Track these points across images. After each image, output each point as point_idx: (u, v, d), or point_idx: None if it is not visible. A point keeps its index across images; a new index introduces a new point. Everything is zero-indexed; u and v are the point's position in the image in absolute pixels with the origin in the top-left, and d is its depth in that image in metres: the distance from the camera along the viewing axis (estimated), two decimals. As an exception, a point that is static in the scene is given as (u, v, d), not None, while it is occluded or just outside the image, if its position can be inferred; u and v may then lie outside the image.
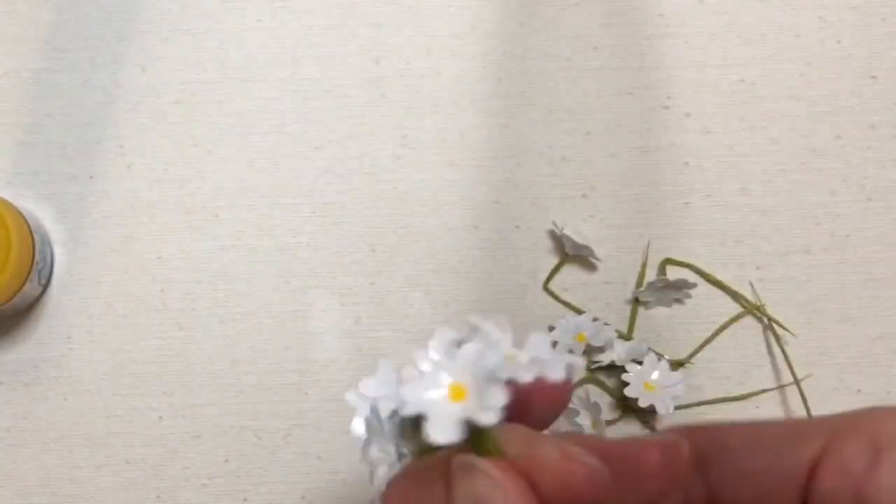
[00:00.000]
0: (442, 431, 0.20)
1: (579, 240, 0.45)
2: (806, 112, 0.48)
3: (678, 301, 0.47)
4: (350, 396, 0.24)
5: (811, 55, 0.49)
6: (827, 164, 0.48)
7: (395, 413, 0.23)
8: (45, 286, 0.47)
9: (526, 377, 0.21)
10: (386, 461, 0.23)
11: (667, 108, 0.48)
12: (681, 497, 0.25)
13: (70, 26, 0.49)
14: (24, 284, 0.44)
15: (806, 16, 0.49)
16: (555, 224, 0.47)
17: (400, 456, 0.23)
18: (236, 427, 0.46)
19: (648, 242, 0.47)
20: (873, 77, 0.48)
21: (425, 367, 0.22)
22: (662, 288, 0.46)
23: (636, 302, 0.47)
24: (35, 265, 0.45)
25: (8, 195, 0.46)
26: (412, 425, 0.23)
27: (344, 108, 0.49)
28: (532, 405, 0.24)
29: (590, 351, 0.46)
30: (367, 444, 0.23)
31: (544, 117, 0.48)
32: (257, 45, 0.49)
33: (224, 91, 0.49)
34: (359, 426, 0.23)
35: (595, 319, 0.45)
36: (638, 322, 0.47)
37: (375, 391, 0.23)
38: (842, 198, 0.48)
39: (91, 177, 0.48)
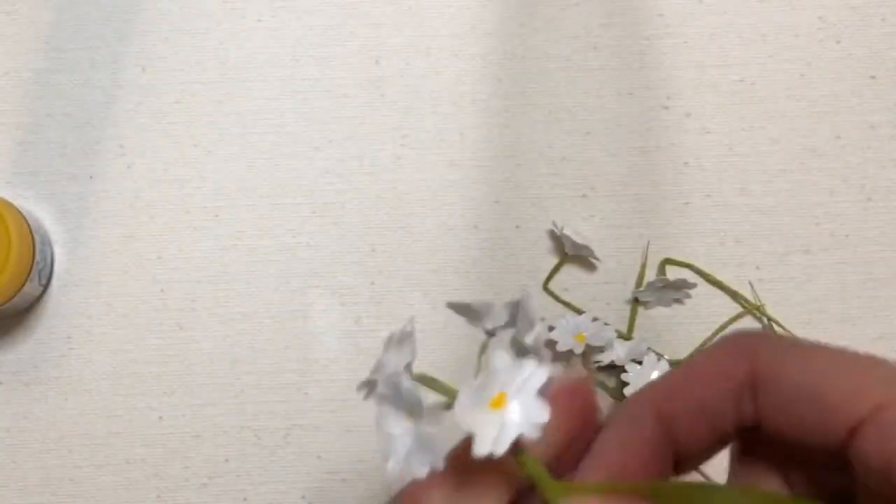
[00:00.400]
0: (485, 445, 0.21)
1: (579, 240, 0.45)
2: (806, 112, 0.48)
3: (678, 301, 0.47)
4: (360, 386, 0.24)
5: (811, 55, 0.49)
6: (827, 164, 0.48)
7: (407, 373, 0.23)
8: (45, 286, 0.47)
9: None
10: (402, 439, 0.23)
11: (666, 108, 0.48)
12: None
13: (70, 26, 0.49)
14: (24, 284, 0.44)
15: (805, 16, 0.49)
16: (554, 224, 0.47)
17: (417, 429, 0.22)
18: (236, 427, 0.46)
19: (648, 242, 0.47)
20: (873, 77, 0.48)
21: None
22: (662, 288, 0.46)
23: (636, 302, 0.47)
24: (35, 265, 0.45)
25: (8, 195, 0.46)
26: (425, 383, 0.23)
27: (344, 108, 0.49)
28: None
29: (589, 351, 0.46)
30: (381, 417, 0.23)
31: (544, 117, 0.48)
32: (257, 45, 0.49)
33: (224, 91, 0.49)
34: (373, 401, 0.23)
35: (595, 319, 0.45)
36: (638, 322, 0.47)
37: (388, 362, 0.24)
38: (841, 198, 0.48)
39: (91, 177, 0.48)
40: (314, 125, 0.49)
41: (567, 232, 0.46)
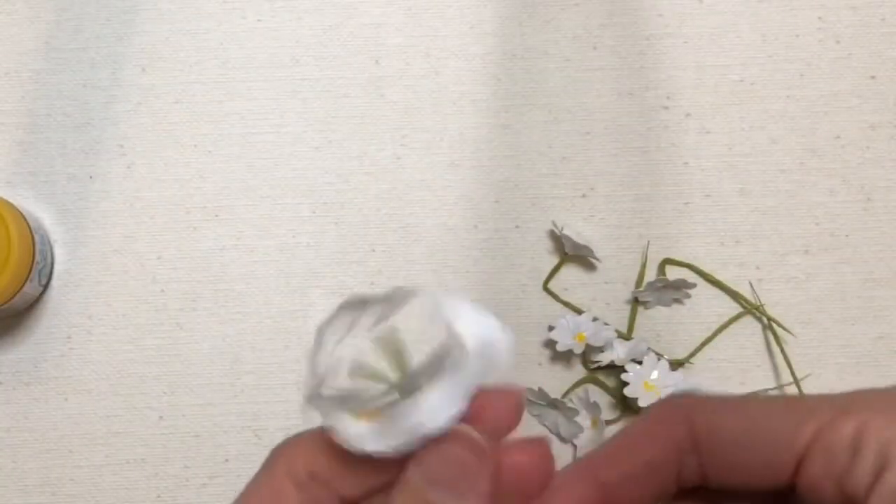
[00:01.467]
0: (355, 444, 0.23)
1: (579, 240, 0.45)
2: (805, 112, 0.48)
3: (678, 301, 0.47)
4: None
5: (810, 55, 0.49)
6: (826, 164, 0.48)
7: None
8: (45, 286, 0.47)
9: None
10: None
11: (666, 108, 0.48)
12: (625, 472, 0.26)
13: (70, 26, 0.49)
14: (24, 284, 0.44)
15: (805, 16, 0.49)
16: (554, 224, 0.47)
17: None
18: (236, 427, 0.46)
19: (648, 242, 0.47)
20: (872, 77, 0.48)
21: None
22: (662, 288, 0.46)
23: (636, 302, 0.47)
24: (35, 265, 0.45)
25: (8, 195, 0.46)
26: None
27: (344, 108, 0.49)
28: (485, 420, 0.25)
29: (589, 351, 0.46)
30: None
31: (544, 117, 0.48)
32: (257, 45, 0.49)
33: (224, 91, 0.49)
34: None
35: (595, 319, 0.45)
36: (638, 322, 0.47)
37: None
38: (841, 198, 0.48)
39: (91, 177, 0.48)
40: (314, 125, 0.49)
41: (567, 232, 0.46)
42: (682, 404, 0.26)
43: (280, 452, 0.27)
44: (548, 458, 0.25)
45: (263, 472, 0.27)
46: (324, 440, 0.26)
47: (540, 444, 0.25)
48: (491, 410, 0.25)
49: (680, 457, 0.25)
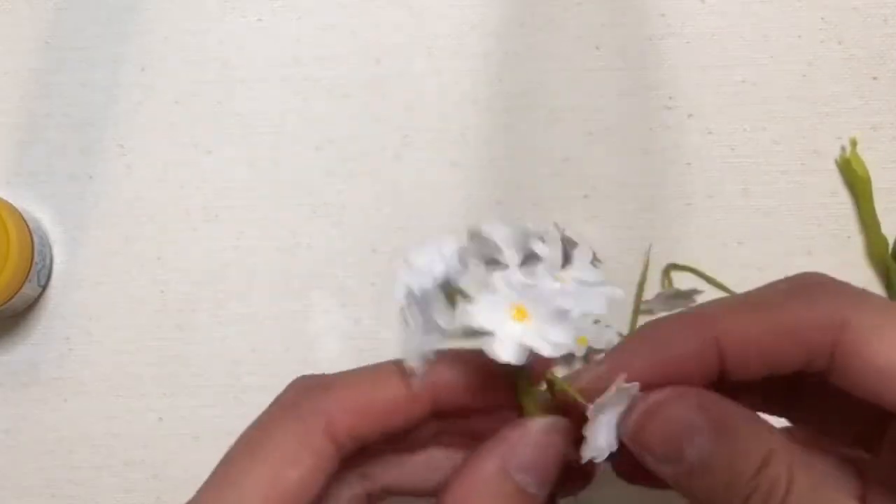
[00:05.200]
0: (505, 352, 0.22)
1: (580, 241, 0.45)
2: (808, 113, 0.48)
3: (683, 307, 0.47)
4: (400, 265, 0.25)
5: (813, 56, 0.49)
6: (829, 165, 0.48)
7: (435, 286, 0.25)
8: (45, 287, 0.47)
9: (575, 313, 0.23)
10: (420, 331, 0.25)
11: (669, 108, 0.48)
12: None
13: (70, 26, 0.49)
14: (22, 285, 0.44)
15: (807, 17, 0.49)
16: (556, 225, 0.46)
17: (432, 327, 0.24)
18: (237, 428, 0.46)
19: (650, 245, 0.47)
20: (875, 78, 0.48)
21: (498, 284, 0.23)
22: (671, 297, 0.46)
23: (637, 307, 0.47)
24: (34, 266, 0.44)
25: (7, 195, 0.46)
26: (449, 301, 0.25)
27: (344, 108, 0.48)
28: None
29: (591, 353, 0.45)
30: (406, 310, 0.25)
31: (546, 118, 0.48)
32: (257, 45, 0.49)
33: (224, 91, 0.49)
34: (400, 292, 0.25)
35: (596, 321, 0.45)
36: (639, 323, 0.47)
37: (422, 263, 0.25)
38: (843, 199, 0.48)
39: (91, 177, 0.48)
40: (314, 125, 0.48)
41: (568, 233, 0.45)
42: (840, 304, 0.25)
43: (317, 407, 0.26)
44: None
45: (295, 426, 0.26)
46: (365, 395, 0.25)
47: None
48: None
49: (811, 350, 0.25)
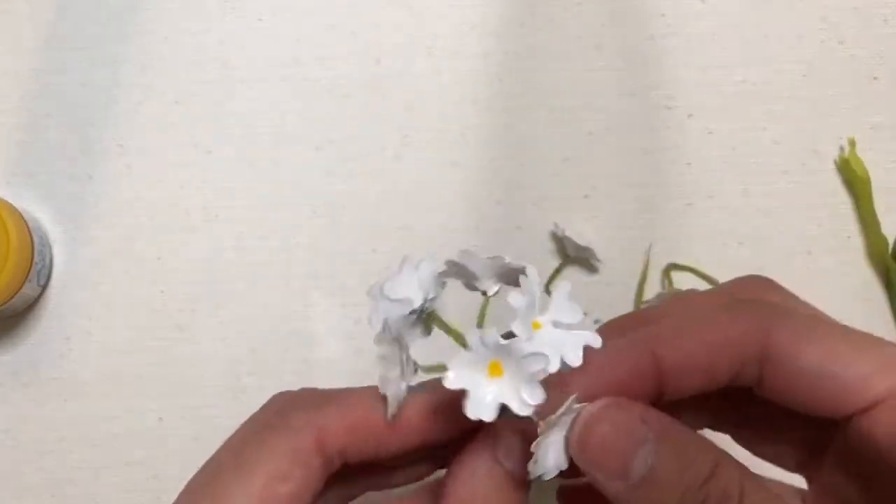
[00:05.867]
0: (477, 410, 0.23)
1: (581, 241, 0.45)
2: (808, 113, 0.48)
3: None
4: (371, 293, 0.26)
5: (813, 56, 0.49)
6: (829, 165, 0.48)
7: (410, 314, 0.25)
8: (44, 287, 0.47)
9: (551, 368, 0.23)
10: (394, 366, 0.25)
11: (669, 108, 0.48)
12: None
13: (70, 26, 0.49)
14: (22, 285, 0.44)
15: (808, 17, 0.49)
16: (556, 225, 0.47)
17: (406, 359, 0.25)
18: (236, 429, 0.46)
19: (651, 245, 0.47)
20: (875, 78, 0.48)
21: (473, 343, 0.23)
22: (671, 298, 0.46)
23: (638, 307, 0.47)
24: (34, 266, 0.44)
25: (7, 195, 0.46)
26: (426, 327, 0.26)
27: (344, 108, 0.48)
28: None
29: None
30: (379, 340, 0.26)
31: (546, 117, 0.48)
32: (257, 45, 0.49)
33: (224, 91, 0.49)
34: (376, 324, 0.26)
35: (597, 322, 0.45)
36: (639, 323, 0.47)
37: (396, 293, 0.26)
38: (843, 199, 0.48)
39: (91, 177, 0.48)
40: (314, 125, 0.48)
41: (569, 234, 0.46)
42: (765, 316, 0.25)
43: (308, 419, 0.26)
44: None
45: (287, 439, 0.25)
46: (359, 416, 0.26)
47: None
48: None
49: (741, 359, 0.25)
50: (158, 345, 0.47)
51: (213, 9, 0.49)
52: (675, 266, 0.47)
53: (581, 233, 0.46)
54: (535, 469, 0.24)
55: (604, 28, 0.49)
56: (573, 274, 0.47)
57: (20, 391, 0.47)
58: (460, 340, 0.25)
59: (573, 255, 0.47)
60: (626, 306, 0.47)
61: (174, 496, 0.30)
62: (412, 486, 0.29)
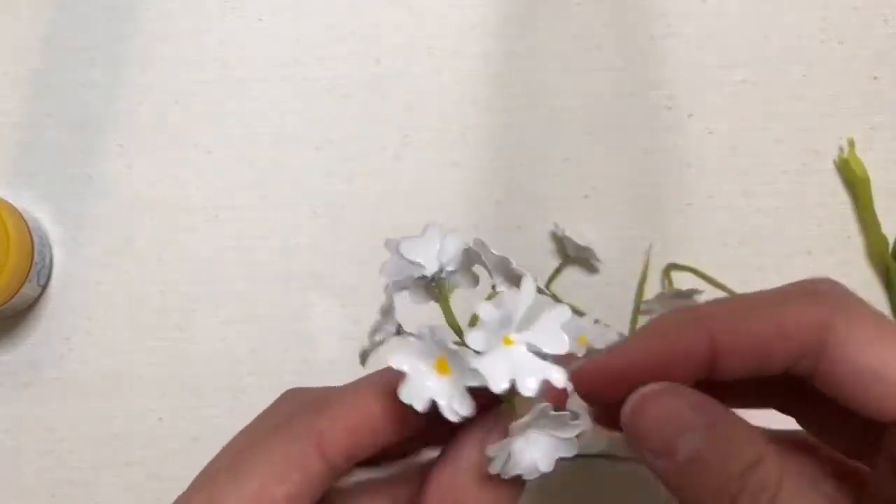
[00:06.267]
0: (409, 396, 0.23)
1: (581, 241, 0.45)
2: (808, 113, 0.48)
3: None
4: (388, 245, 0.27)
5: (813, 56, 0.49)
6: (829, 165, 0.48)
7: (420, 278, 0.26)
8: (44, 287, 0.47)
9: (494, 389, 0.23)
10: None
11: (669, 108, 0.48)
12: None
13: (70, 26, 0.49)
14: (22, 285, 0.44)
15: (808, 17, 0.49)
16: (556, 225, 0.47)
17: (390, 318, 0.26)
18: (236, 428, 0.46)
19: (651, 245, 0.47)
20: (875, 78, 0.48)
21: (424, 333, 0.24)
22: (672, 297, 0.45)
23: (638, 307, 0.47)
24: (34, 266, 0.44)
25: (7, 195, 0.46)
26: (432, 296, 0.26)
27: (344, 108, 0.48)
28: None
29: (592, 353, 0.45)
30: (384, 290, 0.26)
31: (546, 117, 0.48)
32: (257, 45, 0.49)
33: (224, 91, 0.49)
34: (383, 274, 0.26)
35: (597, 321, 0.45)
36: (640, 324, 0.47)
37: (411, 254, 0.27)
38: (844, 199, 0.48)
39: (90, 177, 0.48)
40: (314, 125, 0.48)
41: (569, 234, 0.46)
42: (825, 309, 0.25)
43: (309, 423, 0.26)
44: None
45: (286, 444, 0.25)
46: (360, 418, 0.25)
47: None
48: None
49: (800, 349, 0.25)
50: (158, 345, 0.47)
51: (213, 9, 0.49)
52: (675, 266, 0.47)
53: (581, 233, 0.46)
54: (508, 469, 0.24)
55: (603, 28, 0.49)
56: (573, 274, 0.47)
57: (20, 391, 0.47)
58: (454, 327, 0.25)
59: (573, 255, 0.47)
60: (626, 306, 0.47)
61: (174, 496, 0.30)
62: (402, 466, 0.29)
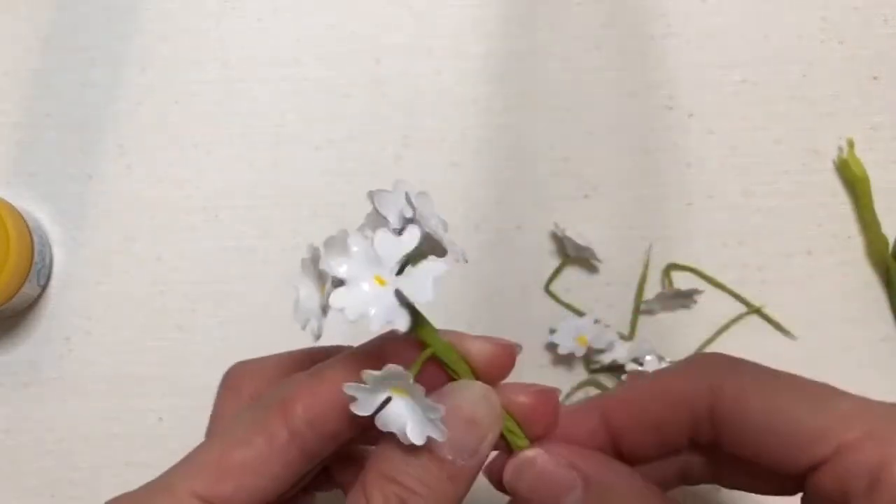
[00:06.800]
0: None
1: (581, 241, 0.45)
2: (808, 113, 0.48)
3: (684, 307, 0.47)
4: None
5: (813, 56, 0.49)
6: (829, 165, 0.48)
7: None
8: (44, 287, 0.47)
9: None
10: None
11: (669, 108, 0.48)
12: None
13: (70, 26, 0.49)
14: (22, 285, 0.44)
15: (808, 16, 0.49)
16: (556, 225, 0.46)
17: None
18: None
19: (651, 245, 0.47)
20: (875, 78, 0.48)
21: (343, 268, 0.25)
22: (672, 297, 0.46)
23: (638, 307, 0.47)
24: (34, 266, 0.44)
25: (7, 195, 0.46)
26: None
27: (345, 108, 0.48)
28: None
29: (591, 353, 0.45)
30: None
31: (546, 117, 0.48)
32: (257, 45, 0.49)
33: (224, 91, 0.49)
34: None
35: (597, 321, 0.45)
36: (640, 323, 0.47)
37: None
38: (844, 199, 0.48)
39: (90, 177, 0.48)
40: (315, 125, 0.48)
41: (569, 233, 0.46)
42: (712, 372, 0.26)
43: (278, 394, 0.27)
44: (553, 401, 0.26)
45: (254, 412, 0.26)
46: (328, 389, 0.26)
47: (545, 389, 0.26)
48: (487, 357, 0.26)
49: (694, 417, 0.26)
50: (158, 345, 0.47)
51: (213, 9, 0.49)
52: (675, 266, 0.47)
53: (581, 232, 0.46)
54: (382, 422, 0.24)
55: (603, 28, 0.49)
56: (573, 274, 0.47)
57: (20, 391, 0.47)
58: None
59: (573, 255, 0.47)
60: (626, 306, 0.47)
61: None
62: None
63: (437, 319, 0.47)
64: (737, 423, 0.25)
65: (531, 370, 0.46)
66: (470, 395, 0.25)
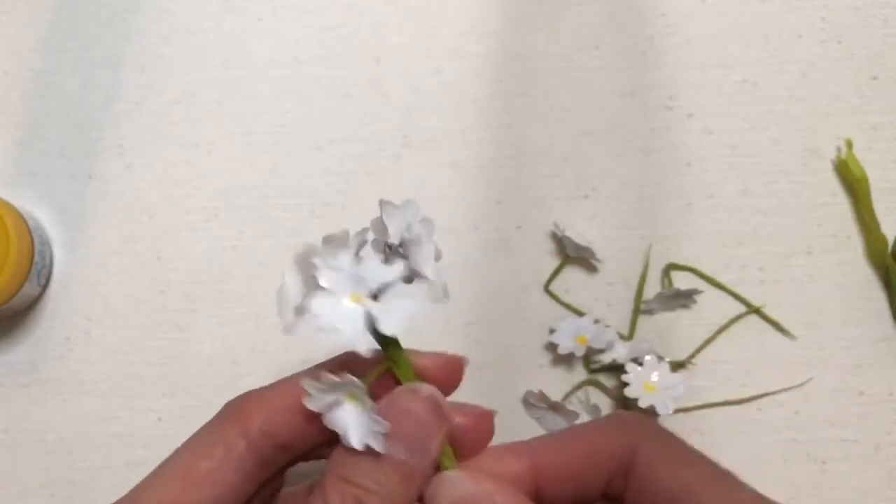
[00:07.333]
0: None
1: (581, 241, 0.45)
2: (808, 113, 0.48)
3: (684, 307, 0.47)
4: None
5: (813, 56, 0.49)
6: (829, 165, 0.48)
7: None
8: (44, 287, 0.47)
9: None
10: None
11: (669, 108, 0.48)
12: None
13: (70, 26, 0.49)
14: (22, 285, 0.44)
15: (807, 17, 0.49)
16: (556, 225, 0.47)
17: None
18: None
19: (650, 245, 0.47)
20: (875, 78, 0.48)
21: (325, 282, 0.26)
22: (671, 297, 0.46)
23: (637, 307, 0.47)
24: (34, 266, 0.44)
25: (7, 195, 0.46)
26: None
27: (344, 108, 0.48)
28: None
29: (591, 353, 0.45)
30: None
31: (546, 117, 0.48)
32: (257, 45, 0.49)
33: (224, 91, 0.49)
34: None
35: (596, 321, 0.45)
36: (640, 323, 0.47)
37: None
38: (843, 199, 0.48)
39: (90, 177, 0.48)
40: (315, 125, 0.48)
41: (568, 233, 0.46)
42: (633, 435, 0.28)
43: (234, 407, 0.28)
44: (488, 424, 0.28)
45: (215, 423, 0.28)
46: (282, 401, 0.28)
47: (483, 412, 0.28)
48: (435, 370, 0.28)
49: (613, 476, 0.28)
50: (158, 345, 0.47)
51: (213, 9, 0.49)
52: (675, 266, 0.47)
53: (580, 232, 0.46)
54: (329, 421, 0.26)
55: (603, 28, 0.49)
56: (573, 273, 0.47)
57: (20, 391, 0.47)
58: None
59: (573, 255, 0.47)
60: (626, 306, 0.47)
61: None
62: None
63: (437, 319, 0.47)
64: (646, 489, 0.27)
65: (531, 370, 0.46)
66: (420, 396, 0.27)
